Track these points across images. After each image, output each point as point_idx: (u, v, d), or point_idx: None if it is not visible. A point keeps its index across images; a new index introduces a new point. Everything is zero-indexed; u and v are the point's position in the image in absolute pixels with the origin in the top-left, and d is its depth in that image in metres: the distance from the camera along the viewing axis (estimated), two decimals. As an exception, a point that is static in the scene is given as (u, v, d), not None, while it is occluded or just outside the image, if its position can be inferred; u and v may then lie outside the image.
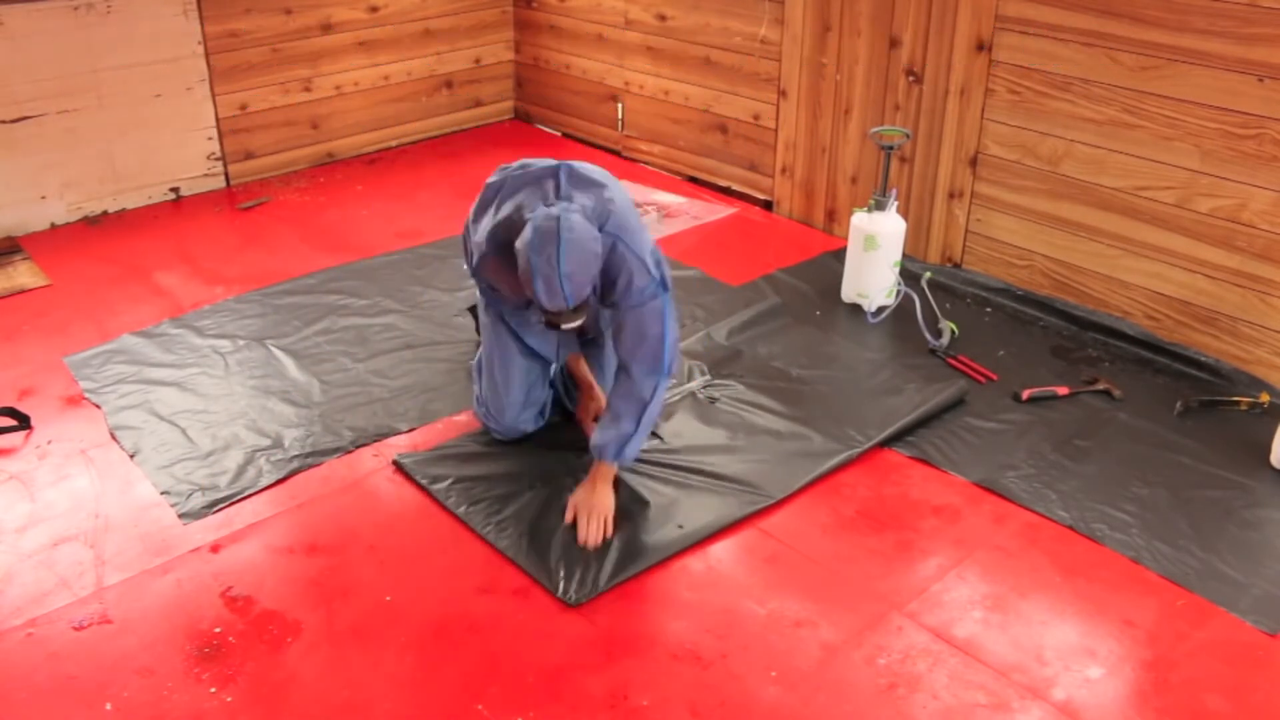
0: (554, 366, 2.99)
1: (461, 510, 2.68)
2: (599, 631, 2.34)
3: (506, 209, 2.56)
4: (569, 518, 2.63)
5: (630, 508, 2.68)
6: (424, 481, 2.78)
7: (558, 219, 2.34)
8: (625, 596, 2.44)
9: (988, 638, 2.34)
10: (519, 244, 2.39)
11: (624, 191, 2.68)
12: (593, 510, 2.60)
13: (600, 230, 2.47)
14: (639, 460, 2.83)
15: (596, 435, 2.66)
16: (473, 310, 3.23)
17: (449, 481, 2.78)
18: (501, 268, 2.58)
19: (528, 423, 2.93)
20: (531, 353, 2.89)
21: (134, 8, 4.22)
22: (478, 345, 3.36)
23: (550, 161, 2.64)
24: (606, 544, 2.56)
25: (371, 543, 2.60)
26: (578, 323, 2.45)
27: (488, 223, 2.60)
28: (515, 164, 2.71)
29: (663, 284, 2.61)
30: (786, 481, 2.78)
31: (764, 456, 2.88)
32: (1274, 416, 3.04)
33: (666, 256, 4.00)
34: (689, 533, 2.61)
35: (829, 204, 4.29)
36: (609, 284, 2.58)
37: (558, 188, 2.53)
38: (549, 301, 2.35)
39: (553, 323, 2.43)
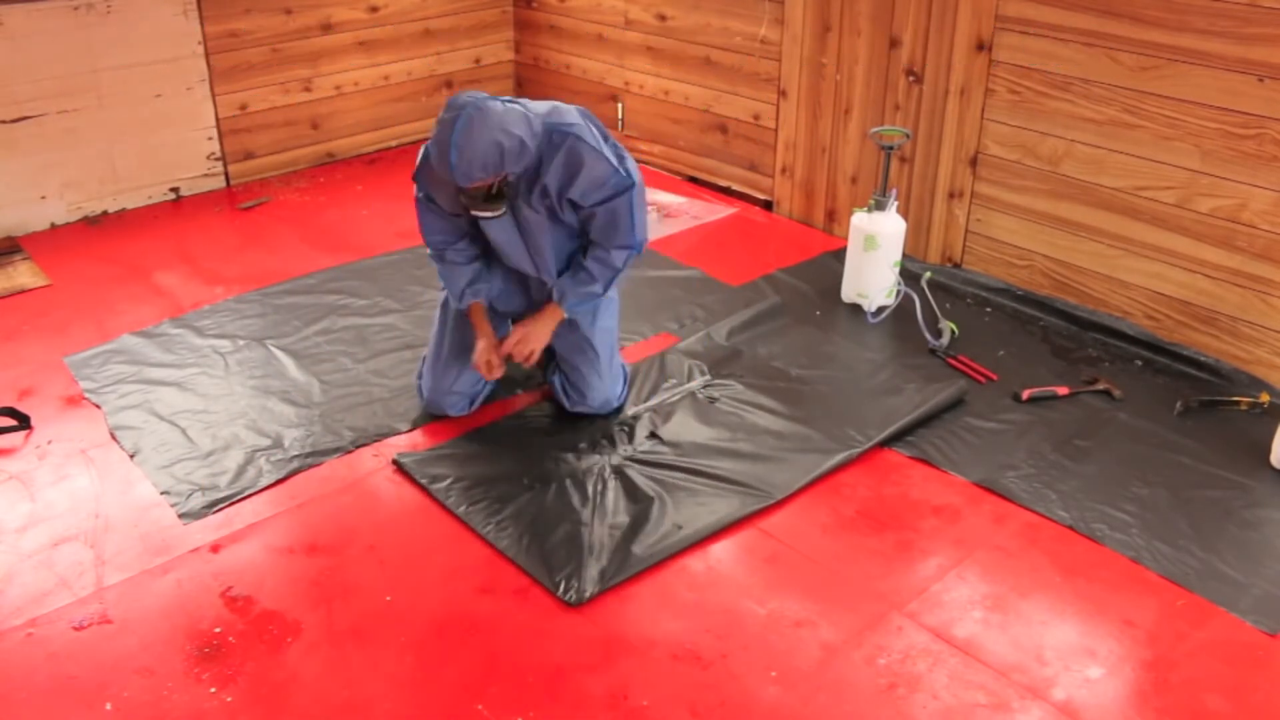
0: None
1: (461, 510, 2.68)
2: (599, 631, 2.34)
3: None
4: (505, 347, 2.89)
5: (630, 508, 2.68)
6: (424, 481, 2.78)
7: (475, 99, 2.53)
8: (625, 596, 2.44)
9: (988, 638, 2.34)
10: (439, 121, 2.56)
11: (593, 120, 2.81)
12: (528, 335, 2.88)
13: (554, 130, 2.63)
14: (639, 461, 2.85)
15: (564, 284, 2.87)
16: None
17: (449, 481, 2.77)
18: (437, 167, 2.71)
19: (448, 405, 3.02)
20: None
21: (134, 8, 4.22)
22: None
23: None
24: (609, 538, 2.57)
25: (371, 543, 2.61)
26: (495, 213, 2.64)
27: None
28: None
29: (629, 176, 2.74)
30: (786, 481, 2.78)
31: (764, 456, 2.88)
32: (1274, 416, 3.04)
33: (667, 256, 4.02)
34: (689, 533, 2.60)
35: (829, 204, 4.29)
36: (569, 179, 2.69)
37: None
38: (439, 166, 2.54)
39: (468, 207, 2.62)
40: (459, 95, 2.60)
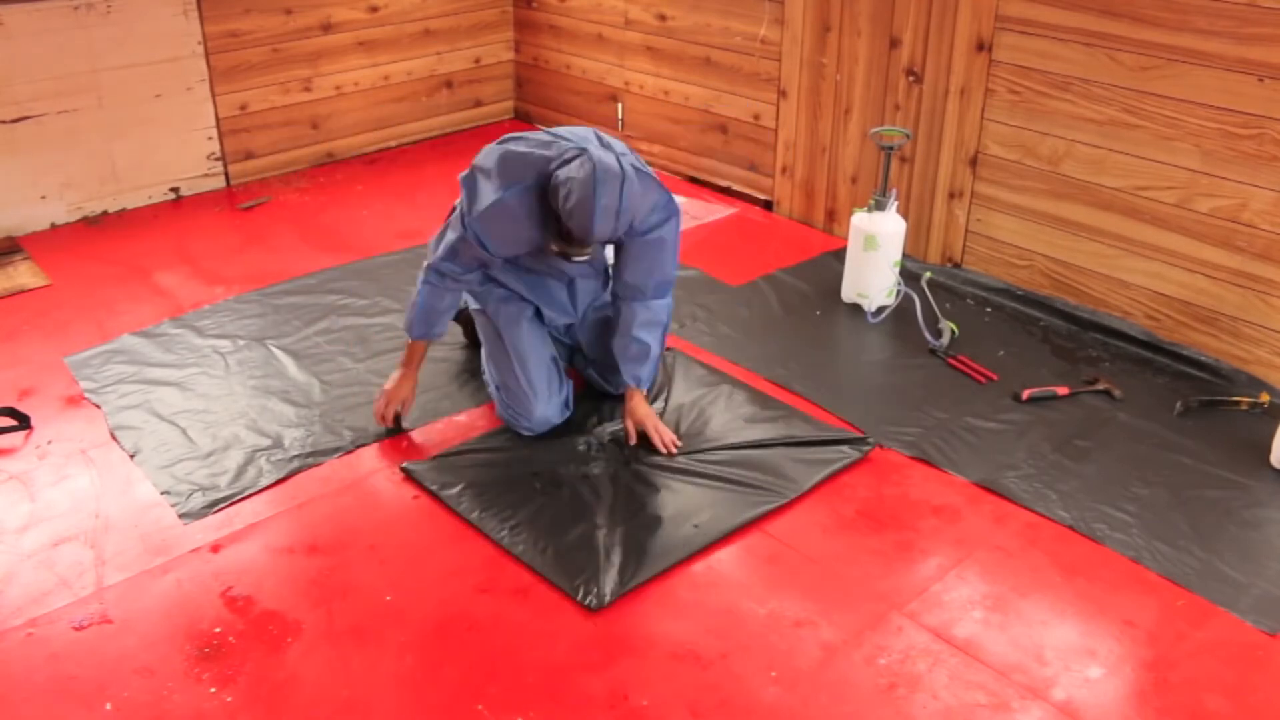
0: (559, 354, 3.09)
1: (474, 516, 2.64)
2: (599, 631, 2.34)
3: (539, 155, 2.63)
4: (633, 439, 2.90)
5: (644, 509, 2.67)
6: (434, 488, 2.74)
7: (618, 159, 2.53)
8: (625, 597, 2.43)
9: (988, 638, 2.34)
10: (579, 176, 2.47)
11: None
12: (658, 423, 2.91)
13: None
14: (651, 463, 2.84)
15: (631, 369, 2.90)
16: (458, 318, 3.25)
17: (460, 487, 2.74)
18: (515, 212, 2.64)
19: (554, 414, 2.95)
20: (541, 341, 2.97)
21: (134, 8, 4.22)
22: (465, 347, 3.38)
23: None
24: (625, 540, 2.56)
25: (371, 543, 2.61)
26: (587, 256, 2.62)
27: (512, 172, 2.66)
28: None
29: (674, 201, 2.79)
30: (796, 482, 2.77)
31: (769, 457, 2.87)
32: (1274, 416, 3.04)
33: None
34: (704, 531, 2.60)
35: (829, 204, 4.29)
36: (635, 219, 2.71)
37: (600, 140, 2.66)
38: (599, 231, 2.50)
39: (565, 252, 2.61)
40: (570, 141, 2.60)
